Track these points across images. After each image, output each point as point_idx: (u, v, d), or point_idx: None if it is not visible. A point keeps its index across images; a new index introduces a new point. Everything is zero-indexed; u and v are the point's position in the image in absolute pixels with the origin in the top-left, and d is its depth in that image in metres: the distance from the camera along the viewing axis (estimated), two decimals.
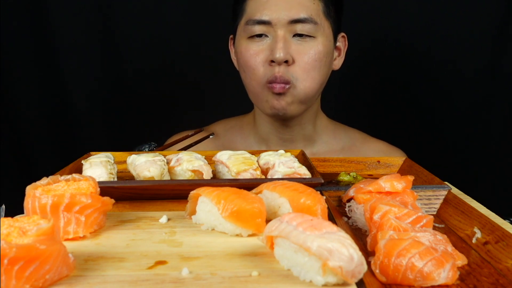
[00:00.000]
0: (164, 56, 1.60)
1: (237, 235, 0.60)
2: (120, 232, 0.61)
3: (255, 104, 1.14)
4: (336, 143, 1.21)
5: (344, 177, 0.88)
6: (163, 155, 0.81)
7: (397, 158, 0.97)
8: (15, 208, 0.64)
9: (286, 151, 0.84)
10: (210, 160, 0.81)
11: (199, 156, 0.81)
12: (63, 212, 0.57)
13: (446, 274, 0.51)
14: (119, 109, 1.61)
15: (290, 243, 0.49)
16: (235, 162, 0.77)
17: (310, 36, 1.04)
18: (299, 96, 1.05)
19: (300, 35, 1.04)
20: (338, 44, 1.14)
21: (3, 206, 0.68)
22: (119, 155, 0.87)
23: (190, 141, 1.07)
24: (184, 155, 0.80)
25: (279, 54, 1.01)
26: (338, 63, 1.16)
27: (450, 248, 0.56)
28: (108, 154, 0.83)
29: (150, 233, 0.61)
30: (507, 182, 1.60)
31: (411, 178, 0.71)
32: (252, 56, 1.06)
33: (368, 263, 0.51)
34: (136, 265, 0.52)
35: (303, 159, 0.85)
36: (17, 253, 0.44)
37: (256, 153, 0.83)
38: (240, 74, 1.13)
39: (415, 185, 0.74)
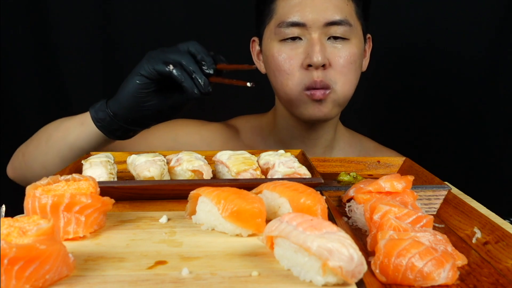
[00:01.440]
0: None
1: (237, 235, 0.60)
2: (120, 232, 0.61)
3: (289, 109, 1.08)
4: (351, 151, 1.19)
5: (344, 177, 0.88)
6: (163, 155, 0.81)
7: (397, 158, 0.97)
8: (15, 208, 0.64)
9: (286, 151, 0.84)
10: (210, 160, 0.81)
11: (199, 156, 0.81)
12: (63, 212, 0.57)
13: (446, 274, 0.51)
14: None
15: (290, 243, 0.49)
16: (235, 162, 0.77)
17: (344, 39, 1.01)
18: (339, 101, 1.03)
19: (335, 38, 1.01)
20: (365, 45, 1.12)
21: (3, 206, 0.68)
22: (119, 155, 0.87)
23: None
24: (184, 155, 0.80)
25: (317, 58, 0.97)
26: (365, 64, 1.13)
27: (450, 248, 0.56)
28: (108, 154, 0.83)
29: (150, 233, 0.61)
30: (507, 182, 1.60)
31: (411, 178, 0.71)
32: (286, 60, 1.01)
33: (368, 263, 0.51)
34: (136, 265, 0.52)
35: (303, 159, 0.85)
36: (17, 253, 0.44)
37: (256, 153, 0.83)
38: (270, 78, 1.08)
39: (415, 185, 0.74)
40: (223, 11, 1.53)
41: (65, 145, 0.90)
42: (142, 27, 1.56)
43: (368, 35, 1.13)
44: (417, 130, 1.65)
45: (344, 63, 1.01)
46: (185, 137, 1.14)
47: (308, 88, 1.00)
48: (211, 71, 0.78)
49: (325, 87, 1.00)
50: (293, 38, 1.01)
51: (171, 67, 0.77)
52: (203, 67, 0.78)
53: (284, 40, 1.01)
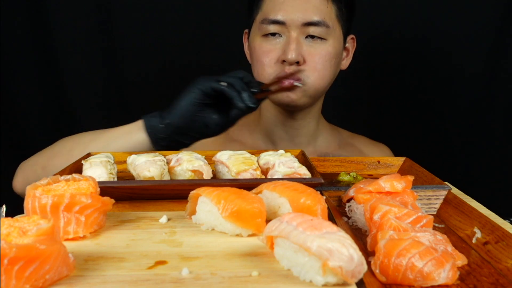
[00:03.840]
0: (165, 55, 1.60)
1: (237, 235, 0.60)
2: (120, 232, 0.61)
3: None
4: (333, 141, 1.27)
5: (344, 177, 0.88)
6: (163, 155, 0.81)
7: (397, 158, 0.97)
8: (15, 208, 0.64)
9: (286, 151, 0.84)
10: (210, 160, 0.81)
11: (199, 156, 0.81)
12: (63, 212, 0.57)
13: (446, 274, 0.51)
14: (120, 109, 1.61)
15: (290, 243, 0.49)
16: (235, 162, 0.77)
17: (321, 39, 1.08)
18: (309, 91, 1.10)
19: (312, 37, 1.07)
20: (347, 45, 1.18)
21: (3, 206, 0.69)
22: (119, 155, 0.87)
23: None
24: (184, 155, 0.80)
25: (291, 55, 1.04)
26: (345, 63, 1.20)
27: (450, 248, 0.56)
28: (108, 154, 0.83)
29: (150, 233, 0.61)
30: (507, 182, 1.60)
31: (411, 178, 0.71)
32: (264, 53, 1.09)
33: (368, 263, 0.51)
34: (136, 265, 0.52)
35: (303, 159, 0.85)
36: (17, 253, 0.44)
37: (256, 153, 0.83)
38: (252, 68, 1.17)
39: (415, 185, 0.74)
40: (223, 11, 1.53)
41: None
42: (142, 27, 1.56)
43: (352, 36, 1.19)
44: (417, 130, 1.65)
45: (318, 61, 1.08)
46: None
47: (279, 78, 1.08)
48: (256, 90, 0.88)
49: (295, 78, 1.06)
50: (274, 34, 1.09)
51: (223, 83, 0.86)
52: (250, 88, 0.88)
53: (266, 35, 1.10)
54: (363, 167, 0.96)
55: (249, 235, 0.59)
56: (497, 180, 1.61)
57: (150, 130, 0.91)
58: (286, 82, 1.05)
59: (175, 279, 0.49)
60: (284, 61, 1.06)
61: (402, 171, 0.93)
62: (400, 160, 0.96)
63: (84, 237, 0.59)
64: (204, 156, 0.82)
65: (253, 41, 1.13)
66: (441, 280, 0.50)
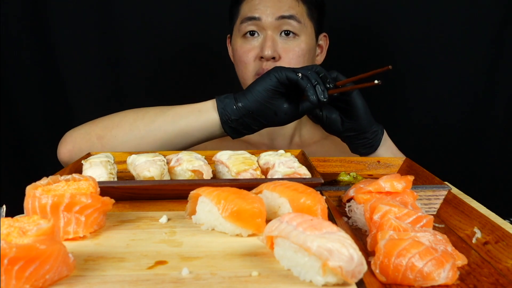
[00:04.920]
0: (165, 55, 1.60)
1: (237, 235, 0.60)
2: (120, 232, 0.61)
3: None
4: (318, 132, 1.34)
5: (344, 177, 0.88)
6: (163, 155, 0.81)
7: (397, 158, 0.97)
8: (15, 208, 0.64)
9: (286, 151, 0.84)
10: (210, 160, 0.81)
11: (199, 156, 0.81)
12: (63, 212, 0.57)
13: (446, 274, 0.51)
14: (119, 109, 1.61)
15: (290, 243, 0.49)
16: (235, 162, 0.77)
17: (294, 35, 1.18)
18: None
19: (287, 34, 1.18)
20: (320, 42, 1.29)
21: (3, 206, 0.68)
22: (119, 155, 0.87)
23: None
24: (184, 155, 0.80)
25: (267, 52, 1.16)
26: (320, 59, 1.32)
27: (450, 248, 0.56)
28: (108, 154, 0.83)
29: (150, 233, 0.61)
30: (507, 182, 1.60)
31: (411, 178, 0.71)
32: (245, 53, 1.20)
33: (368, 263, 0.51)
34: (136, 265, 0.52)
35: (303, 159, 0.85)
36: (17, 253, 0.44)
37: (256, 153, 0.83)
38: (235, 67, 1.27)
39: (415, 185, 0.74)
40: (223, 11, 1.53)
41: (173, 131, 0.95)
42: (142, 27, 1.56)
43: (324, 34, 1.31)
44: (417, 130, 1.65)
45: (292, 57, 1.18)
46: None
47: (258, 74, 1.17)
48: (331, 86, 0.89)
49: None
50: (252, 34, 1.19)
51: (299, 74, 0.87)
52: (324, 82, 0.89)
53: (245, 35, 1.20)
54: (363, 167, 0.96)
55: (249, 235, 0.59)
56: (497, 180, 1.61)
57: (222, 110, 0.92)
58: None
59: (175, 279, 0.49)
60: (261, 57, 1.17)
61: (402, 171, 0.93)
62: (400, 160, 0.96)
63: (84, 237, 0.59)
64: (204, 156, 0.82)
65: (235, 43, 1.24)
66: (441, 280, 0.50)
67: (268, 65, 1.15)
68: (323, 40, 1.31)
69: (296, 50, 1.18)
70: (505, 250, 0.58)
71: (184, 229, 0.62)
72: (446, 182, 0.79)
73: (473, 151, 1.63)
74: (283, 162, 0.78)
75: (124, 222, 0.64)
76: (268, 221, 0.55)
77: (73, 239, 0.58)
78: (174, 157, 0.80)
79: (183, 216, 0.66)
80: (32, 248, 0.45)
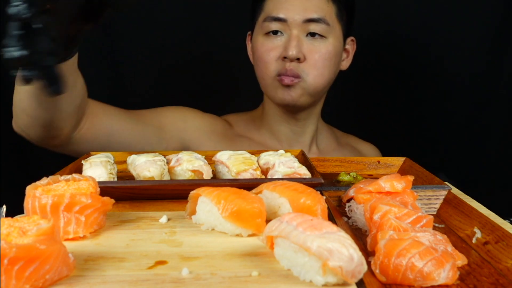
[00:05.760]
0: (165, 55, 1.59)
1: (237, 235, 0.60)
2: (120, 232, 0.61)
3: (267, 94, 1.20)
4: (332, 140, 1.31)
5: (344, 177, 0.88)
6: (163, 155, 0.81)
7: (397, 158, 0.97)
8: (15, 208, 0.64)
9: (286, 151, 0.84)
10: (210, 160, 0.81)
11: (199, 156, 0.81)
12: (63, 212, 0.57)
13: (446, 274, 0.51)
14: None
15: (290, 243, 0.49)
16: (235, 162, 0.77)
17: (322, 36, 1.10)
18: (309, 89, 1.11)
19: (313, 35, 1.10)
20: (347, 46, 1.20)
21: (3, 206, 0.68)
22: (119, 155, 0.87)
23: None
24: (184, 155, 0.80)
25: (292, 52, 1.07)
26: (345, 64, 1.23)
27: (450, 248, 0.56)
28: (108, 154, 0.83)
29: (150, 233, 0.61)
30: (507, 182, 1.60)
31: (411, 178, 0.71)
32: (266, 51, 1.12)
33: (368, 263, 0.51)
34: (136, 265, 0.52)
35: (303, 159, 0.85)
36: (17, 253, 0.44)
37: (256, 153, 0.83)
38: (254, 68, 1.19)
39: (415, 185, 0.74)
40: (223, 11, 1.53)
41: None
42: (142, 27, 1.56)
43: (352, 38, 1.22)
44: (417, 130, 1.65)
45: (318, 59, 1.10)
46: (192, 120, 1.19)
47: (280, 75, 1.10)
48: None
49: (295, 75, 1.09)
50: (275, 33, 1.11)
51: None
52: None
53: (268, 34, 1.12)
54: (363, 167, 0.96)
55: (249, 235, 0.59)
56: (497, 180, 1.61)
57: None
58: (286, 79, 1.08)
59: (175, 279, 0.49)
60: (285, 57, 1.09)
61: (402, 171, 0.93)
62: (400, 160, 0.96)
63: (84, 237, 0.59)
64: (204, 156, 0.82)
65: (256, 40, 1.16)
66: (441, 280, 0.50)
67: (292, 66, 1.09)
68: (350, 45, 1.22)
69: (323, 52, 1.10)
70: (505, 250, 0.58)
71: (184, 229, 0.62)
72: (446, 182, 0.79)
73: (473, 151, 1.63)
74: (283, 162, 0.78)
75: (124, 222, 0.64)
76: (268, 221, 0.55)
77: (73, 239, 0.58)
78: (174, 157, 0.80)
79: (183, 216, 0.66)
80: (32, 248, 0.45)
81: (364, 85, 1.63)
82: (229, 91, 1.57)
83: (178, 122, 1.16)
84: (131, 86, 1.61)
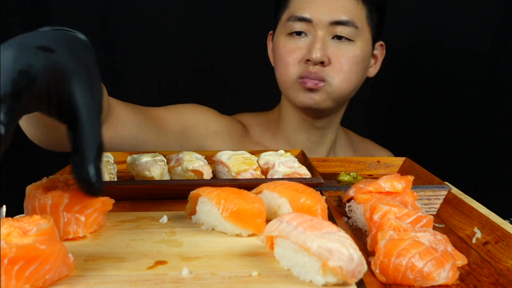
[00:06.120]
0: (165, 55, 1.60)
1: (237, 235, 0.60)
2: (120, 232, 0.61)
3: (287, 97, 1.12)
4: (349, 148, 1.24)
5: (344, 177, 0.88)
6: (163, 155, 0.81)
7: (397, 158, 0.97)
8: (15, 208, 0.64)
9: (286, 151, 0.84)
10: (210, 160, 0.81)
11: (199, 156, 0.81)
12: (63, 212, 0.57)
13: (446, 274, 0.51)
14: None
15: (290, 243, 0.49)
16: (235, 162, 0.77)
17: (349, 40, 1.04)
18: (334, 94, 1.05)
19: (339, 38, 1.03)
20: (375, 52, 1.13)
21: (3, 206, 0.68)
22: (119, 155, 0.87)
23: None
24: (184, 155, 0.80)
25: (316, 55, 1.01)
26: (373, 70, 1.15)
27: (450, 248, 0.56)
28: (108, 154, 0.83)
29: (150, 233, 0.61)
30: (507, 182, 1.60)
31: (411, 178, 0.71)
32: (288, 52, 1.06)
33: (368, 263, 0.51)
34: (136, 265, 0.52)
35: (303, 159, 0.85)
36: (17, 253, 0.44)
37: (256, 153, 0.83)
38: (275, 69, 1.12)
39: (415, 185, 0.74)
40: (223, 11, 1.53)
41: None
42: (142, 27, 1.56)
43: (381, 43, 1.14)
44: (417, 129, 1.65)
45: (344, 63, 1.03)
46: (213, 125, 1.13)
47: (302, 77, 1.04)
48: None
49: (319, 79, 1.03)
50: (299, 33, 1.05)
51: None
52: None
53: (291, 34, 1.06)
54: (363, 167, 0.96)
55: (249, 235, 0.59)
56: (497, 180, 1.61)
57: None
58: (309, 82, 1.02)
59: (175, 279, 0.49)
60: (308, 60, 1.03)
61: (402, 171, 0.93)
62: (400, 160, 0.96)
63: (84, 237, 0.59)
64: (204, 156, 0.82)
65: (278, 40, 1.09)
66: (441, 280, 0.50)
67: (316, 70, 1.02)
68: (379, 50, 1.14)
69: (350, 56, 1.03)
70: (505, 250, 0.58)
71: (184, 229, 0.62)
72: (446, 182, 0.79)
73: (473, 151, 1.63)
74: (283, 162, 0.78)
75: (124, 222, 0.64)
76: (268, 221, 0.55)
77: (73, 239, 0.58)
78: (174, 157, 0.80)
79: (183, 216, 0.66)
80: (32, 248, 0.45)
81: (364, 85, 1.63)
82: (230, 91, 1.57)
83: (200, 127, 1.11)
84: (130, 84, 1.61)
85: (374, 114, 1.66)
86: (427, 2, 1.55)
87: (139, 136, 0.98)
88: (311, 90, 1.04)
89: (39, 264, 0.45)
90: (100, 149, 0.50)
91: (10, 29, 1.50)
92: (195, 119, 1.11)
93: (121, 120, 0.94)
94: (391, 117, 1.65)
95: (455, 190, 0.79)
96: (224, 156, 0.80)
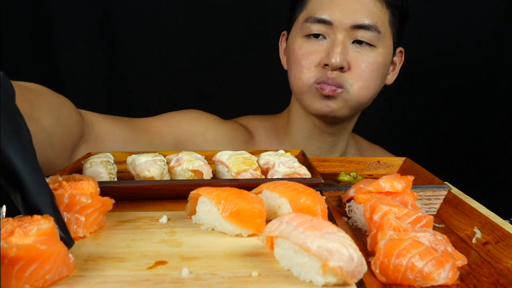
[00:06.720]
0: (165, 55, 1.60)
1: (237, 235, 0.60)
2: (120, 232, 0.61)
3: (301, 103, 1.07)
4: (359, 156, 1.21)
5: (344, 177, 0.88)
6: (163, 155, 0.81)
7: (397, 158, 0.97)
8: (15, 208, 0.63)
9: (286, 151, 0.84)
10: (210, 160, 0.81)
11: (199, 156, 0.81)
12: (63, 212, 0.57)
13: (446, 274, 0.51)
14: (120, 109, 1.61)
15: (290, 243, 0.49)
16: (235, 162, 0.77)
17: (370, 45, 0.99)
18: (351, 102, 1.01)
19: (360, 42, 0.99)
20: (394, 58, 1.08)
21: (4, 206, 0.68)
22: (119, 155, 0.87)
23: None
24: (184, 155, 0.80)
25: (335, 59, 0.95)
26: (391, 78, 1.10)
27: (450, 248, 0.56)
28: (108, 154, 0.83)
29: (150, 233, 0.61)
30: (507, 182, 1.60)
31: (411, 178, 0.71)
32: (305, 55, 1.00)
33: (368, 263, 0.51)
34: (136, 265, 0.52)
35: (303, 159, 0.85)
36: (17, 253, 0.43)
37: (256, 153, 0.83)
38: (288, 72, 1.06)
39: (415, 185, 0.74)
40: (223, 11, 1.54)
41: None
42: (143, 27, 1.56)
43: (401, 49, 1.09)
44: (418, 130, 1.65)
45: (365, 69, 0.98)
46: (212, 135, 1.09)
47: (319, 83, 0.98)
48: None
49: (337, 85, 0.97)
50: (317, 36, 0.99)
51: None
52: None
53: (308, 36, 1.00)
54: (363, 167, 0.96)
55: (249, 235, 0.59)
56: (497, 180, 1.61)
57: None
58: (327, 88, 0.97)
59: (175, 279, 0.49)
60: (326, 65, 0.97)
61: (402, 171, 0.93)
62: (400, 160, 0.96)
63: (84, 237, 0.59)
64: (204, 156, 0.82)
65: (293, 42, 1.03)
66: (441, 280, 0.50)
67: (334, 75, 0.96)
68: (398, 56, 1.09)
69: (370, 62, 0.97)
70: (505, 250, 0.58)
71: (184, 229, 0.62)
72: (446, 182, 0.79)
73: (473, 151, 1.63)
74: (283, 162, 0.78)
75: (124, 222, 0.64)
76: (268, 221, 0.55)
77: (73, 239, 0.58)
78: (174, 157, 0.80)
79: (183, 216, 0.66)
80: (32, 248, 0.45)
81: None
82: (231, 91, 1.57)
83: (197, 137, 1.06)
84: (130, 84, 1.61)
85: (374, 114, 1.65)
86: (427, 2, 1.55)
87: (128, 149, 0.94)
88: (327, 97, 0.99)
89: (39, 264, 0.45)
90: (53, 202, 0.48)
91: (10, 29, 1.50)
92: (191, 130, 1.06)
93: (103, 137, 0.90)
94: (391, 117, 1.65)
95: (455, 190, 0.79)
96: (224, 156, 0.80)
